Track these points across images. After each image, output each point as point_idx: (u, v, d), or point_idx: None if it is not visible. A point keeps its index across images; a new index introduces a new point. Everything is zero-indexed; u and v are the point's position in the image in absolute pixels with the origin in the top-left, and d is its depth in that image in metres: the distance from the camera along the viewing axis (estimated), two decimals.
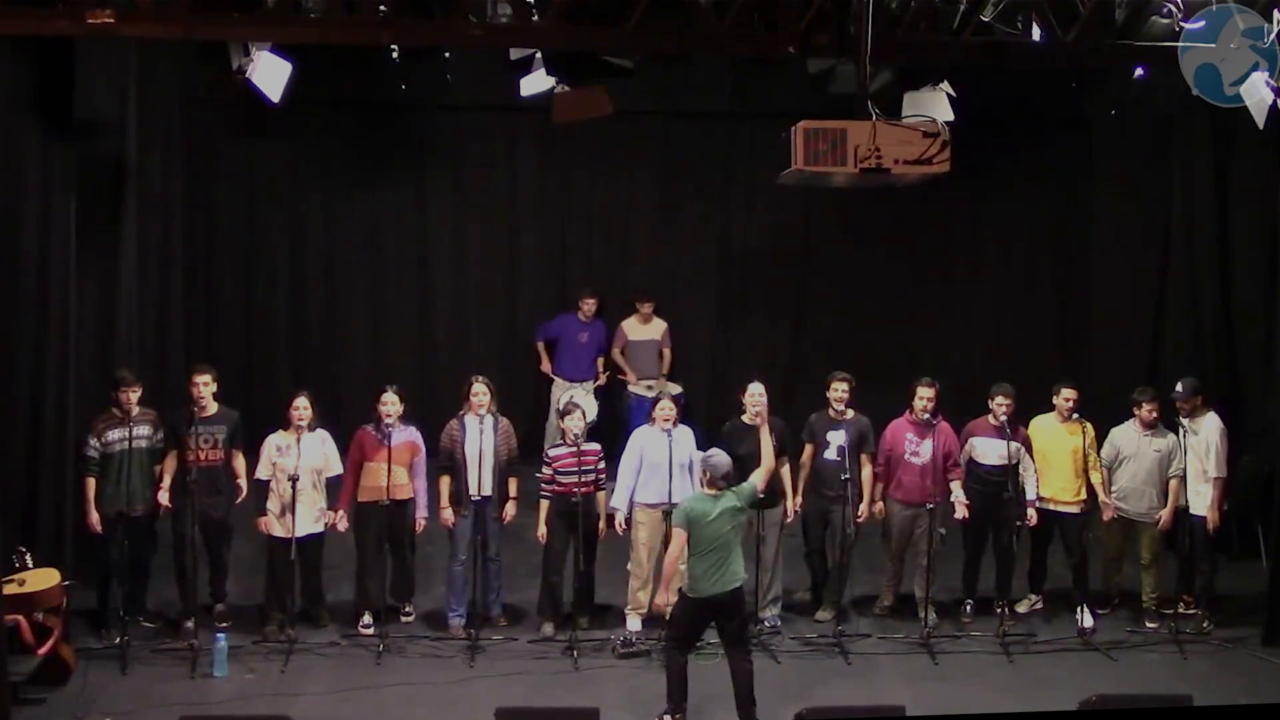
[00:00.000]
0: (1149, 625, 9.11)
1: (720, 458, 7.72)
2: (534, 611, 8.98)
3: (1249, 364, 10.48)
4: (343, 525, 8.74)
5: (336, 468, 8.76)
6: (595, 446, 8.85)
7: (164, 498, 8.61)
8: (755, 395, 8.82)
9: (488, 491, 8.71)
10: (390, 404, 8.71)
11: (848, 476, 8.80)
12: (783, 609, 9.08)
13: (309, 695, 7.87)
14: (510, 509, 8.85)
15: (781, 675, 8.35)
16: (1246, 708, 7.43)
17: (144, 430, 8.58)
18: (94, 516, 8.42)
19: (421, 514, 8.89)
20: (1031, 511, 9.09)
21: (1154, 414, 9.11)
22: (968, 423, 9.28)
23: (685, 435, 8.89)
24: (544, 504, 8.75)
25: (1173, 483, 9.09)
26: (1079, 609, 9.06)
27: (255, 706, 7.65)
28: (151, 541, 8.83)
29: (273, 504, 8.64)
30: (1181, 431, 9.04)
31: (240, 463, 8.83)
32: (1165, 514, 9.11)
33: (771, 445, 8.08)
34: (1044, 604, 9.44)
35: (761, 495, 8.56)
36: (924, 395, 9.01)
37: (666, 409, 8.85)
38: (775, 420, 8.94)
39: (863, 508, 9.05)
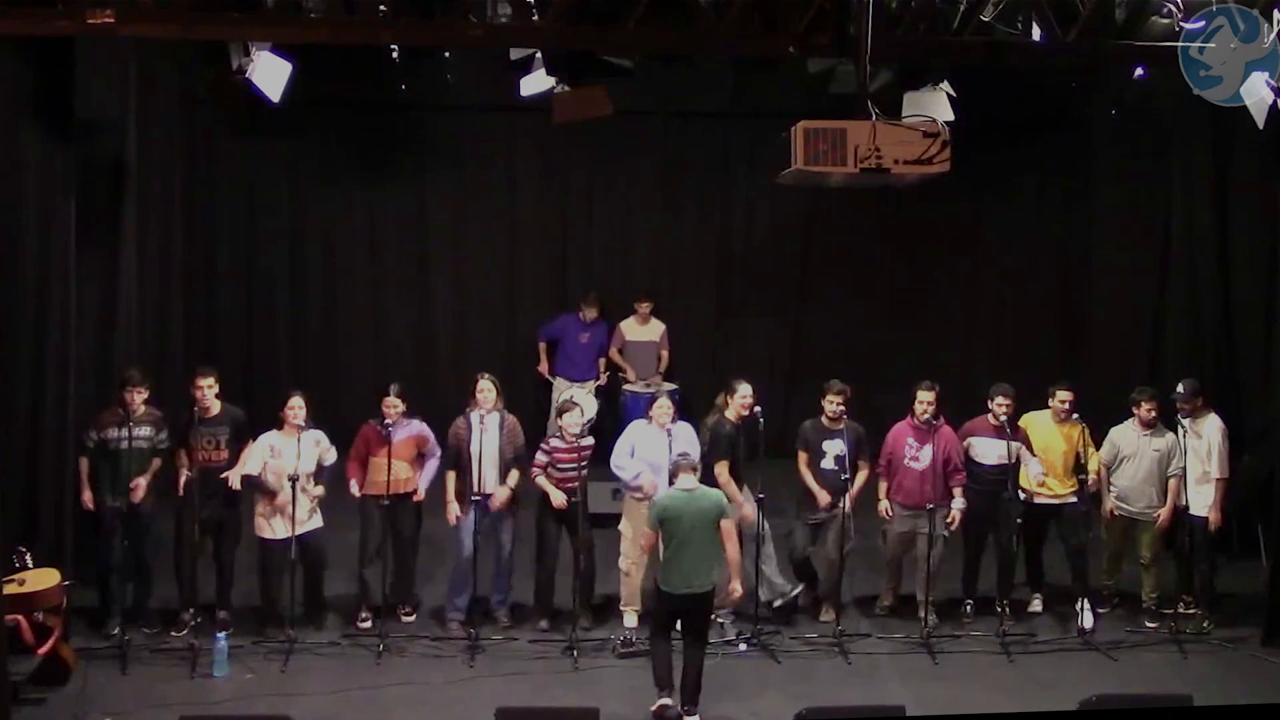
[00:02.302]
0: (1149, 625, 9.10)
1: (681, 452, 8.06)
2: (534, 611, 8.99)
3: (1249, 364, 10.47)
4: (356, 491, 8.81)
5: (331, 457, 8.80)
6: (589, 441, 8.92)
7: (140, 494, 8.53)
8: (745, 396, 8.88)
9: (491, 489, 8.73)
10: (393, 406, 8.76)
11: (847, 477, 8.83)
12: (782, 610, 9.08)
13: (309, 695, 7.86)
14: (502, 493, 8.78)
15: (781, 675, 8.35)
16: (1246, 708, 7.42)
17: (145, 431, 8.57)
18: (87, 494, 8.43)
19: (422, 485, 8.92)
20: (1037, 470, 9.04)
21: (1152, 413, 9.11)
22: (966, 422, 9.28)
23: (684, 431, 8.90)
24: (541, 479, 8.79)
25: (1172, 482, 9.09)
26: (1080, 604, 9.04)
27: (255, 706, 7.64)
28: (152, 540, 8.78)
29: (261, 506, 8.65)
30: (1182, 432, 9.04)
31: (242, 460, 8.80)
32: (1164, 513, 9.12)
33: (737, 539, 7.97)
34: (1044, 603, 9.43)
35: (761, 496, 8.63)
36: (924, 399, 8.99)
37: (664, 408, 8.87)
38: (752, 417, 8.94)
39: (853, 490, 8.96)
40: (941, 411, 9.08)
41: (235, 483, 8.66)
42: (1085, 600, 9.07)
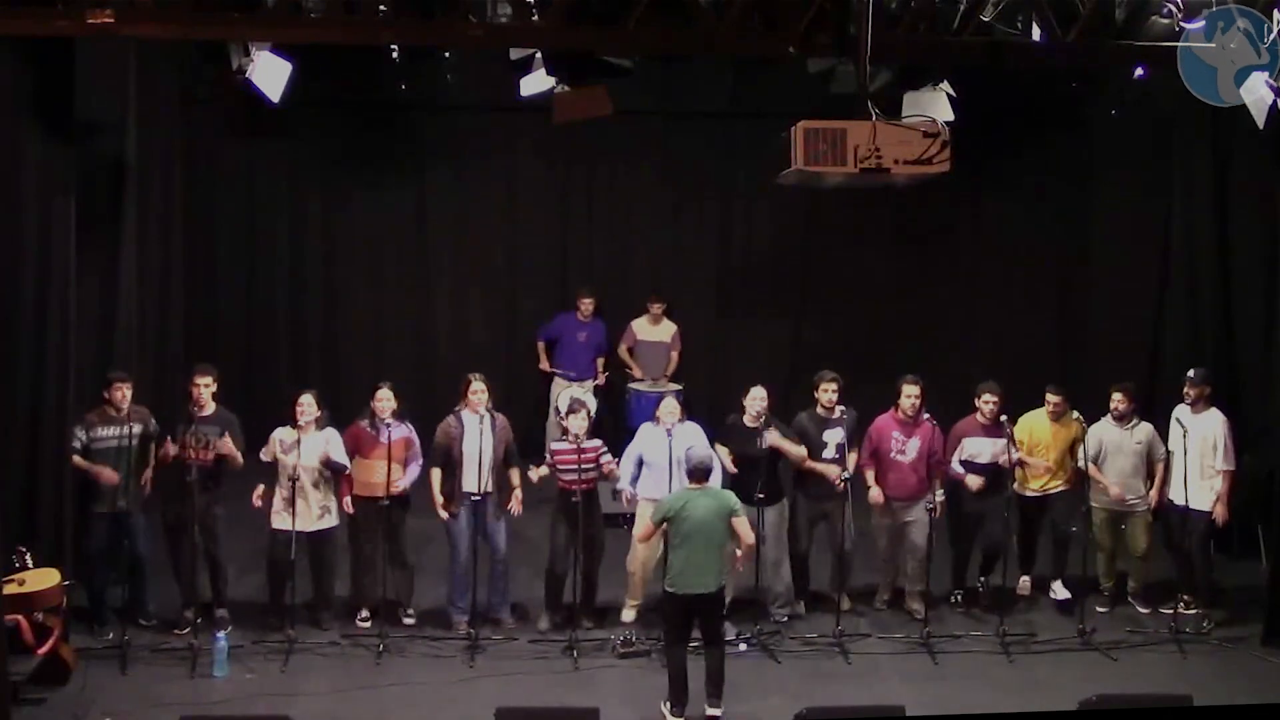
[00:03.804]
0: (1140, 610, 9.23)
1: (694, 451, 8.02)
2: (535, 609, 9.00)
3: (1249, 364, 10.47)
4: (349, 507, 8.80)
5: (338, 453, 8.78)
6: (596, 443, 8.86)
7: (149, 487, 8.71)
8: (755, 397, 8.90)
9: (487, 488, 8.72)
10: (385, 400, 8.75)
11: (848, 476, 8.83)
12: (786, 617, 9.10)
13: (309, 695, 7.87)
14: (516, 498, 8.82)
15: (781, 675, 8.36)
16: (1246, 708, 7.42)
17: (135, 429, 8.58)
18: (107, 472, 8.43)
19: (406, 483, 8.86)
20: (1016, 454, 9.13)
21: (1123, 404, 9.20)
22: (955, 424, 9.29)
23: (690, 432, 8.90)
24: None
25: (1158, 466, 9.23)
26: (1053, 583, 9.44)
27: (255, 706, 7.64)
28: (144, 537, 8.76)
29: (276, 497, 8.68)
30: (1181, 431, 9.05)
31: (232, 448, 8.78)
32: (1153, 495, 9.24)
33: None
34: (1032, 590, 9.58)
35: (761, 496, 8.64)
36: (910, 394, 9.03)
37: (670, 408, 8.88)
38: (773, 419, 8.96)
39: (849, 469, 8.98)
40: (927, 406, 9.11)
41: (235, 456, 8.68)
42: (1059, 581, 9.45)
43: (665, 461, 8.63)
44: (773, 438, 8.81)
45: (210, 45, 8.96)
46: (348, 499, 8.80)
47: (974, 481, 9.09)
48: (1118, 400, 9.20)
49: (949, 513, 9.27)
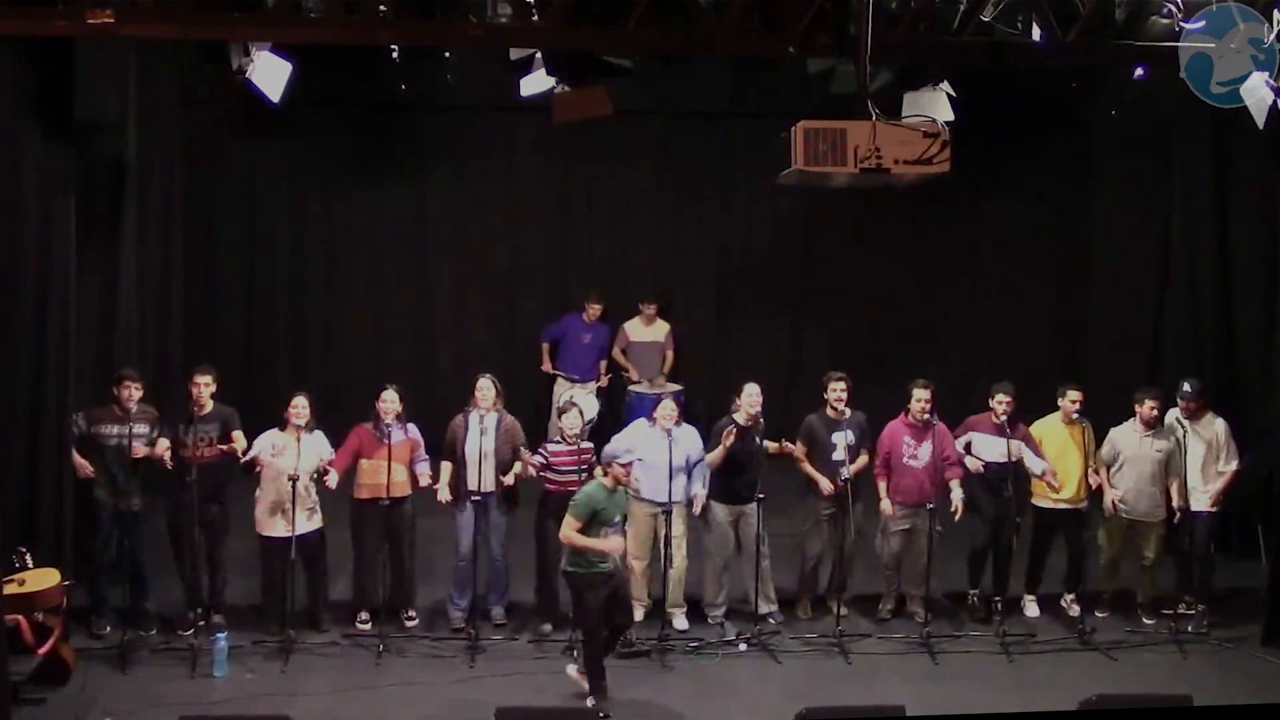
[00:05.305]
0: (1146, 621, 9.16)
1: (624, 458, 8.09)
2: (533, 611, 8.99)
3: (1249, 364, 10.47)
4: (333, 483, 8.68)
5: (330, 456, 8.76)
6: (589, 445, 8.85)
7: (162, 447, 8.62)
8: (752, 395, 8.87)
9: (488, 488, 8.71)
10: (389, 402, 8.74)
11: (848, 478, 8.83)
12: (783, 616, 9.10)
13: (309, 695, 7.87)
14: (515, 471, 8.79)
15: (781, 675, 8.36)
16: (1246, 708, 7.42)
17: (141, 429, 8.58)
18: (80, 460, 8.40)
19: (423, 468, 8.87)
20: (1040, 466, 9.01)
21: (1155, 411, 9.11)
22: (968, 417, 9.28)
23: (687, 434, 8.89)
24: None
25: (1174, 478, 9.12)
26: (1065, 599, 9.31)
27: (255, 706, 7.65)
28: (145, 538, 8.76)
29: (262, 504, 8.64)
30: (1182, 432, 9.04)
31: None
32: (1174, 503, 9.13)
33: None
34: (1039, 606, 9.43)
35: (762, 496, 8.64)
36: (920, 397, 9.00)
37: (668, 410, 8.86)
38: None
39: (854, 468, 8.99)
40: (936, 411, 9.09)
41: (240, 446, 8.65)
42: (1072, 597, 9.32)
43: (664, 464, 8.61)
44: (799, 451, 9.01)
45: (210, 45, 8.97)
46: (333, 472, 8.66)
47: (973, 463, 9.05)
48: (1150, 407, 9.08)
49: (969, 513, 9.20)
